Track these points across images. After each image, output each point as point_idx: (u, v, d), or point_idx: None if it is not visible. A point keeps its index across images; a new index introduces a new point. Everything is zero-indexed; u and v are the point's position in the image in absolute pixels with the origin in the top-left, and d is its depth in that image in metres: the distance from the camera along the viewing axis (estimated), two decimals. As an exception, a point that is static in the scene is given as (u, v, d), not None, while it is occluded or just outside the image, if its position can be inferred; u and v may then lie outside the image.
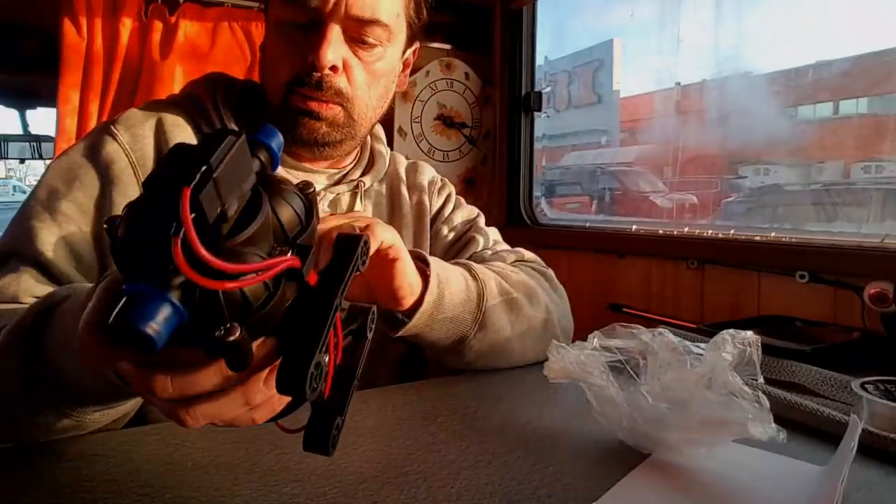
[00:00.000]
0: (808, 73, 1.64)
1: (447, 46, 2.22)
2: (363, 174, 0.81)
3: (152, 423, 0.56)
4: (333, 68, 0.67)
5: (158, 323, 0.25)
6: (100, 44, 1.63)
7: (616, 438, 0.52)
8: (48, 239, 0.60)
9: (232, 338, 0.27)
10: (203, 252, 0.25)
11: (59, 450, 0.49)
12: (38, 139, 2.03)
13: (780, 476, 0.48)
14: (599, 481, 0.46)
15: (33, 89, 1.82)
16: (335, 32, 0.66)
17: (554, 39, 2.44)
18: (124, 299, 0.26)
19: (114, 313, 0.26)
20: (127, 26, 1.66)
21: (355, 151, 0.82)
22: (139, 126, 0.69)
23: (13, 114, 1.94)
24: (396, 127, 2.14)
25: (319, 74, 0.66)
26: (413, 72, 2.13)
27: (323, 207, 0.75)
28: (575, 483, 0.45)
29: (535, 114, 2.22)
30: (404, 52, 0.77)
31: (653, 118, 2.37)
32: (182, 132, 0.70)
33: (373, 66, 0.70)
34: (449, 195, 0.91)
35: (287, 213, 0.33)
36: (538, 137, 2.28)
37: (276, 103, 0.70)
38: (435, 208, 0.88)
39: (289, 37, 0.68)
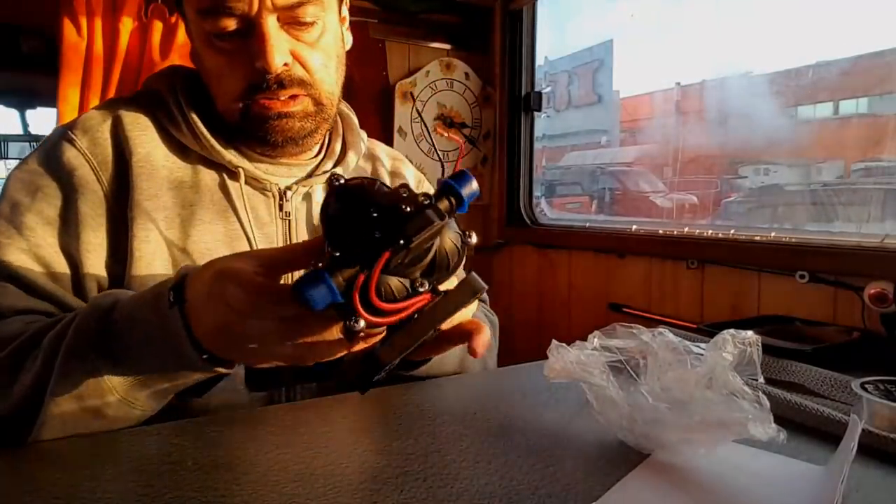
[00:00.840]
0: (807, 73, 1.63)
1: (447, 46, 2.22)
2: (335, 165, 0.79)
3: (152, 424, 0.56)
4: (285, 64, 0.64)
5: (321, 295, 0.36)
6: (100, 44, 1.63)
7: (616, 438, 0.52)
8: (17, 255, 0.60)
9: (357, 327, 0.38)
10: (379, 304, 0.37)
11: (59, 450, 0.49)
12: (38, 139, 2.03)
13: (780, 476, 0.48)
14: (599, 481, 0.46)
15: (33, 89, 1.82)
16: (272, 28, 0.62)
17: (554, 39, 2.44)
18: (307, 272, 0.37)
19: (298, 280, 0.37)
20: (127, 26, 1.66)
21: (324, 140, 0.80)
22: (97, 128, 0.67)
23: (13, 114, 1.94)
24: (396, 127, 2.14)
25: (276, 75, 0.63)
26: (413, 72, 2.15)
27: (296, 203, 0.74)
28: (575, 483, 0.45)
29: (535, 114, 2.23)
30: (340, 11, 0.73)
31: (653, 118, 2.37)
32: (142, 131, 0.68)
33: (319, 42, 0.67)
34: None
35: (442, 258, 0.41)
36: (538, 137, 2.28)
37: (236, 117, 0.67)
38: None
39: (223, 48, 0.64)
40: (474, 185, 0.41)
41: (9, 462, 0.48)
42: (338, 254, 0.38)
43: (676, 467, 0.48)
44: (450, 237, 0.41)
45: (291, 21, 0.64)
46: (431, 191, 0.91)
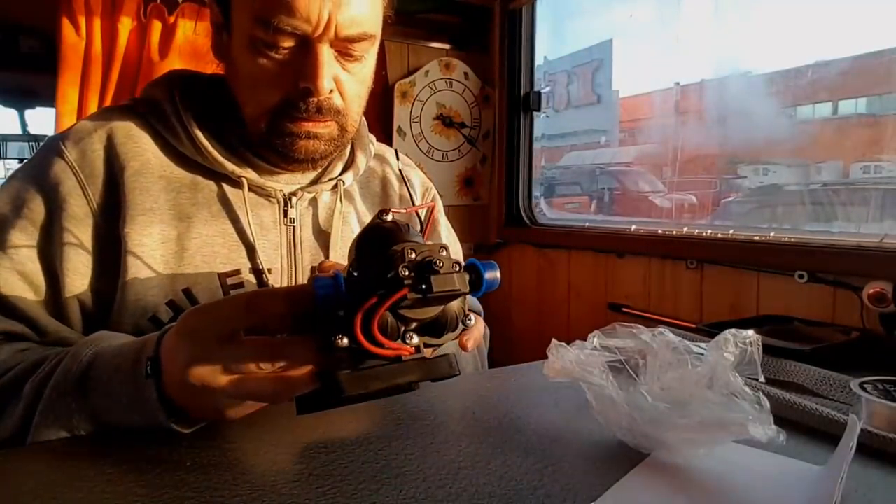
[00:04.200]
0: (807, 73, 1.64)
1: (447, 46, 2.22)
2: (343, 171, 0.78)
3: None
4: (329, 91, 0.64)
5: (326, 284, 0.40)
6: (98, 43, 1.63)
7: (616, 438, 0.52)
8: (0, 273, 0.60)
9: (341, 344, 0.39)
10: (376, 331, 0.39)
11: (58, 450, 0.49)
12: (37, 139, 2.03)
13: (780, 476, 0.48)
14: (599, 481, 0.46)
15: (32, 89, 1.82)
16: (327, 55, 0.62)
17: (553, 39, 2.45)
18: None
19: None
20: (126, 26, 1.66)
21: None
22: (88, 139, 0.66)
23: (12, 114, 1.94)
24: (396, 127, 2.14)
25: (317, 100, 0.63)
26: (412, 72, 2.15)
27: (301, 209, 0.73)
28: (574, 483, 0.45)
29: (535, 114, 2.23)
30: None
31: (652, 118, 2.37)
32: (135, 143, 0.67)
33: (360, 75, 0.67)
34: (438, 214, 0.91)
35: (441, 324, 0.43)
36: (537, 137, 2.28)
37: (262, 126, 0.66)
38: (424, 223, 0.88)
39: (270, 57, 0.62)
40: (497, 275, 0.45)
41: (9, 462, 0.47)
42: (357, 273, 0.41)
43: (676, 467, 0.48)
44: (455, 309, 0.44)
45: (343, 51, 0.64)
46: (440, 203, 0.92)
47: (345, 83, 0.66)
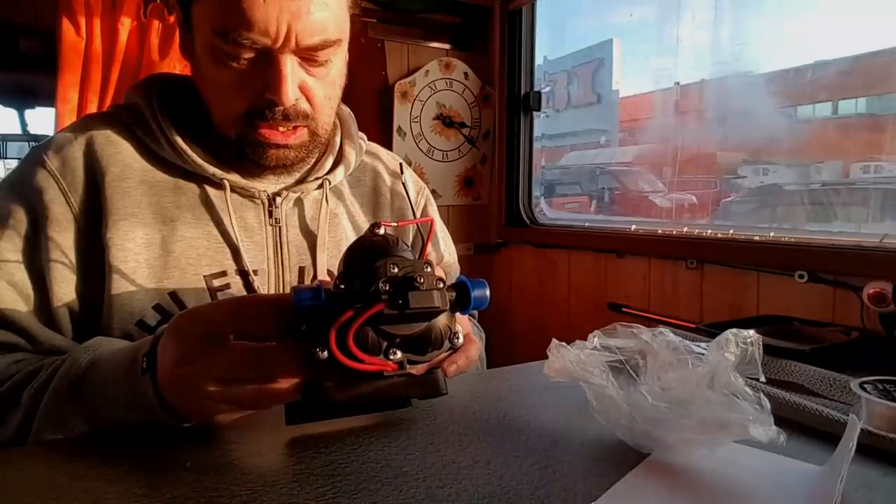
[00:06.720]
0: (807, 72, 1.64)
1: (446, 46, 2.22)
2: (331, 170, 0.77)
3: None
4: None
5: (306, 295, 0.40)
6: (98, 43, 1.63)
7: (616, 438, 0.52)
8: None
9: (320, 357, 0.39)
10: (351, 345, 0.39)
11: (57, 450, 0.49)
12: (37, 139, 2.03)
13: (780, 476, 0.48)
14: (599, 481, 0.46)
15: (32, 89, 1.82)
16: (290, 66, 0.61)
17: (553, 39, 2.45)
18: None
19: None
20: (126, 26, 1.66)
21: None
22: (68, 147, 0.66)
23: (12, 113, 1.94)
24: (396, 126, 2.14)
25: (283, 109, 0.62)
26: (412, 71, 2.15)
27: (286, 209, 0.72)
28: (574, 483, 0.45)
29: (535, 113, 2.23)
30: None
31: (652, 118, 2.37)
32: (115, 148, 0.67)
33: (328, 78, 0.66)
34: (432, 213, 0.90)
35: (425, 341, 0.43)
36: (537, 137, 2.28)
37: (232, 134, 0.66)
38: (424, 238, 0.87)
39: (233, 68, 0.62)
40: (487, 293, 0.45)
41: (9, 462, 0.47)
42: (343, 286, 0.41)
43: (676, 467, 0.48)
44: (441, 327, 0.43)
45: (307, 58, 0.63)
46: (433, 203, 0.92)
47: (312, 88, 0.65)
